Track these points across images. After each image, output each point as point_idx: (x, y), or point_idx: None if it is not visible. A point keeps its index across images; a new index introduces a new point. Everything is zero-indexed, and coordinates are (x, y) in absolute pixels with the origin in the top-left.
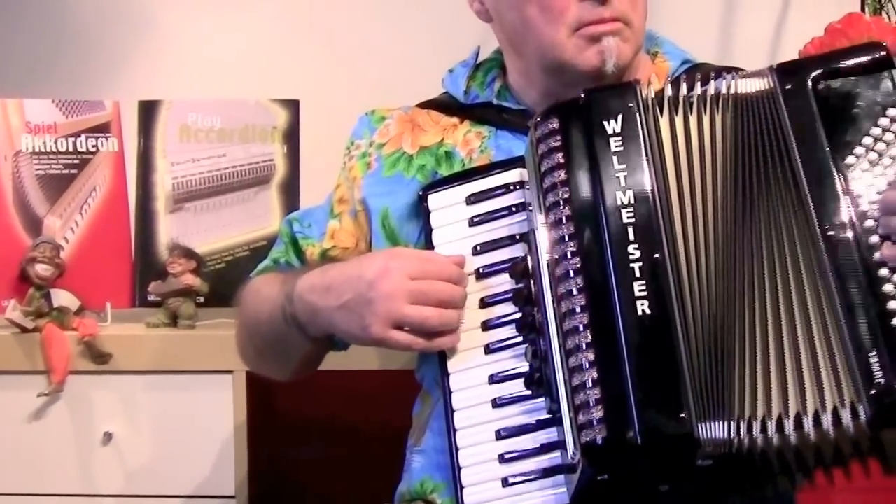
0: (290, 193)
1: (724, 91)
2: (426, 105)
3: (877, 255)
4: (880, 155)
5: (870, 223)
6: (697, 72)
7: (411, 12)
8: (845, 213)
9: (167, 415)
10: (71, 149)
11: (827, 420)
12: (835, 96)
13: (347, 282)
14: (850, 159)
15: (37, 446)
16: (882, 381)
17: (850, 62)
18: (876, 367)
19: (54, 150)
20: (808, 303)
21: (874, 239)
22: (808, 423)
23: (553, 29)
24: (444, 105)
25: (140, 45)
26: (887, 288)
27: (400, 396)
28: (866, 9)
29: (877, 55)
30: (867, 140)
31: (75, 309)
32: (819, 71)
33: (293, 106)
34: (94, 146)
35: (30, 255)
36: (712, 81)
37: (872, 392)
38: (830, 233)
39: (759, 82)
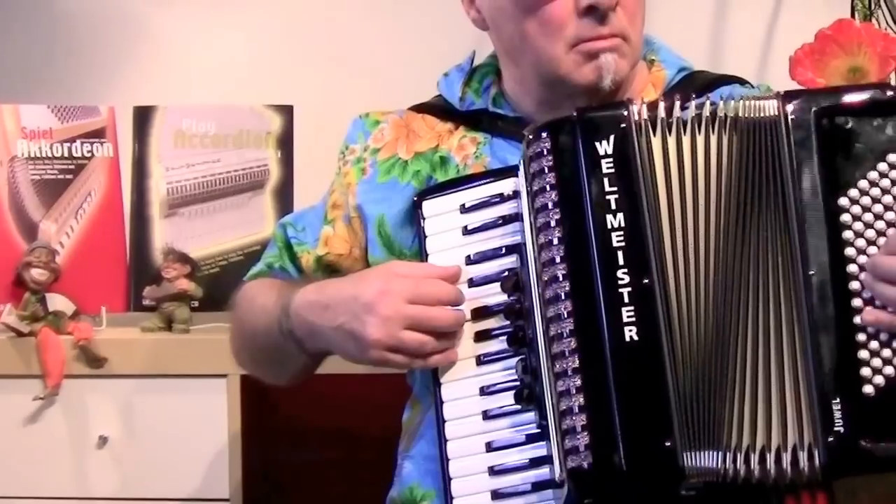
0: (284, 198)
1: (721, 113)
2: (421, 109)
3: (857, 319)
4: (874, 200)
5: (855, 285)
6: (693, 81)
7: (404, 18)
8: (829, 257)
9: (162, 418)
10: (66, 154)
11: (786, 458)
12: (837, 133)
13: (343, 302)
14: (842, 201)
15: (32, 449)
16: (842, 429)
17: (857, 99)
18: (838, 412)
19: (50, 155)
20: (784, 342)
21: (857, 302)
22: (770, 459)
23: (551, 44)
24: (439, 110)
25: (135, 52)
26: (862, 354)
27: (394, 401)
28: (856, 15)
29: (885, 97)
30: (863, 183)
31: (70, 313)
32: (825, 104)
33: (287, 111)
34: (89, 151)
35: (25, 260)
36: (708, 100)
37: (830, 439)
38: (811, 274)
39: (765, 107)
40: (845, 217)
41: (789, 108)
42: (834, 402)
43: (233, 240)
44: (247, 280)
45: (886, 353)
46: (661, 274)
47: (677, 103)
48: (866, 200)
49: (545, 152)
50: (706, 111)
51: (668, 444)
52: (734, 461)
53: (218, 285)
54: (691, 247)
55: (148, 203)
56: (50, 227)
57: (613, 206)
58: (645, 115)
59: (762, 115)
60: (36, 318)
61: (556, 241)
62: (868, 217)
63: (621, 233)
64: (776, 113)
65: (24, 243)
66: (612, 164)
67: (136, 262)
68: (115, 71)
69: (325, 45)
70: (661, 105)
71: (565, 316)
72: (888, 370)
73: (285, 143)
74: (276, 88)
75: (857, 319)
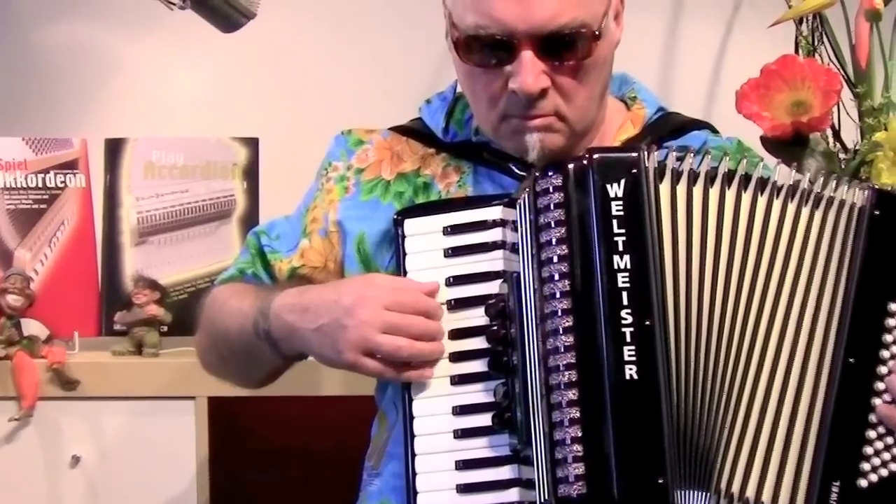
0: (250, 227)
1: (744, 171)
2: (404, 132)
3: (872, 417)
4: None
5: (880, 385)
6: (669, 121)
7: (366, 53)
8: (867, 353)
9: (133, 439)
10: (40, 185)
11: None
12: None
13: (324, 306)
14: (893, 306)
15: (7, 469)
16: None
17: None
18: (835, 494)
19: (24, 185)
20: (800, 408)
21: (877, 400)
22: None
23: (488, 111)
24: (423, 136)
25: (107, 86)
26: (867, 450)
27: (359, 422)
28: (800, 51)
29: None
30: None
31: (44, 337)
32: None
33: (253, 144)
34: (62, 182)
35: (1, 287)
36: (726, 158)
37: None
38: (850, 361)
39: (854, 194)
40: (891, 322)
41: (879, 203)
42: (835, 483)
43: (201, 267)
44: (218, 284)
45: (886, 455)
46: (662, 317)
47: (690, 157)
48: None
49: (554, 189)
50: (723, 168)
51: (660, 480)
52: None
53: (187, 311)
54: (695, 294)
55: (119, 232)
56: (25, 254)
57: (621, 248)
58: (656, 162)
59: (848, 199)
60: (11, 343)
61: (558, 277)
62: None
63: (627, 274)
64: (864, 204)
65: (0, 270)
66: (621, 207)
67: (107, 289)
68: (88, 105)
69: (289, 80)
70: (672, 154)
71: (563, 350)
72: (883, 472)
73: (251, 174)
74: (242, 121)
75: (872, 417)
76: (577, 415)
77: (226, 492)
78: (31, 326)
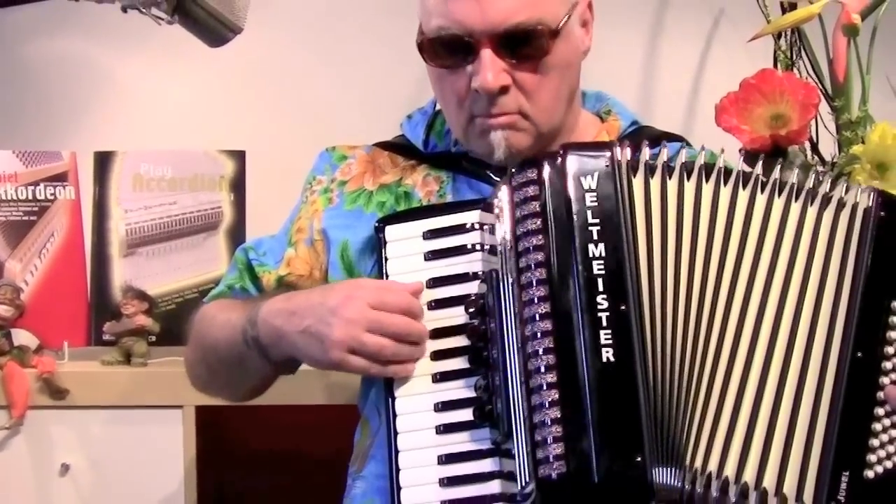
0: (237, 239)
1: (792, 181)
2: (386, 147)
3: (880, 395)
4: None
5: (885, 380)
6: (643, 133)
7: (351, 68)
8: (871, 349)
9: (121, 447)
10: (30, 197)
11: (754, 497)
12: None
13: (310, 308)
14: (895, 304)
15: None
16: (843, 500)
17: None
18: (844, 485)
19: (15, 198)
20: (803, 396)
21: (881, 395)
22: (753, 498)
23: (457, 114)
24: (404, 149)
25: (96, 100)
26: (873, 441)
27: (343, 429)
28: (778, 65)
29: None
30: None
31: (34, 347)
32: None
33: (240, 156)
34: (52, 194)
35: None
36: (720, 159)
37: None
38: (859, 356)
39: (858, 195)
40: (894, 319)
41: (884, 207)
42: (844, 473)
43: (188, 278)
44: (207, 301)
45: (891, 448)
46: (637, 301)
47: (664, 150)
48: None
49: (531, 182)
50: (699, 162)
51: (638, 459)
52: (693, 483)
53: (174, 321)
54: (670, 280)
55: (108, 243)
56: (15, 265)
57: (595, 237)
58: (628, 156)
59: (849, 199)
60: (1, 352)
61: (535, 266)
62: None
63: (602, 261)
64: (869, 205)
65: None
66: (595, 199)
67: (96, 299)
68: (77, 118)
69: (275, 93)
70: (646, 150)
71: (541, 335)
72: (888, 463)
73: (238, 186)
74: (230, 134)
75: (878, 410)
76: (556, 397)
77: (213, 499)
78: (22, 336)
